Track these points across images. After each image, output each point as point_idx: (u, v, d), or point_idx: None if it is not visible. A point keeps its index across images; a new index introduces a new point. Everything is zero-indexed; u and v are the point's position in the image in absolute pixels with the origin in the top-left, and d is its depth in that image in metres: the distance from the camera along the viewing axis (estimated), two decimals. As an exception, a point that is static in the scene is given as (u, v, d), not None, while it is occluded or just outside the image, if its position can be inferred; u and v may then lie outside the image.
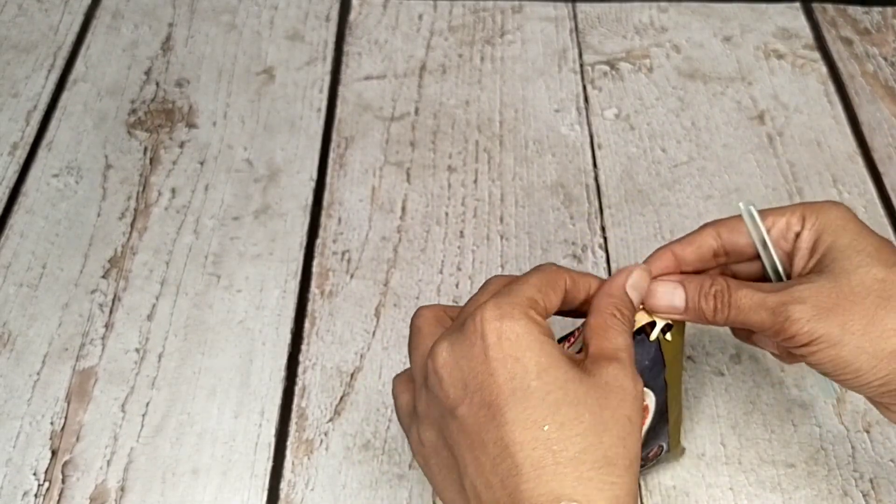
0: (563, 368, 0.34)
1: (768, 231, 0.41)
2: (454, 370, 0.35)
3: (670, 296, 0.41)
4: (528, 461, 0.32)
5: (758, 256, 0.42)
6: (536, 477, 0.32)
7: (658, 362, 0.41)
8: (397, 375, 0.41)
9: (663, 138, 0.68)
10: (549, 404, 0.33)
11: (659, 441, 0.46)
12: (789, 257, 0.41)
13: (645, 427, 0.43)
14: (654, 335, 0.41)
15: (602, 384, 0.34)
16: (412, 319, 0.40)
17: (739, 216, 0.41)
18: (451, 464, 0.35)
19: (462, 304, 0.43)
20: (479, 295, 0.39)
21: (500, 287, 0.38)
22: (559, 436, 0.33)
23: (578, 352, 0.39)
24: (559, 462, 0.32)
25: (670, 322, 0.41)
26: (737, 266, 0.43)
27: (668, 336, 0.41)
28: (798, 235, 0.40)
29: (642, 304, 0.41)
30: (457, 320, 0.38)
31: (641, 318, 0.41)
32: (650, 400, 0.42)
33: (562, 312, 0.40)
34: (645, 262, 0.42)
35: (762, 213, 0.41)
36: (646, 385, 0.39)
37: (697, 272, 0.42)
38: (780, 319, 0.38)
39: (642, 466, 0.47)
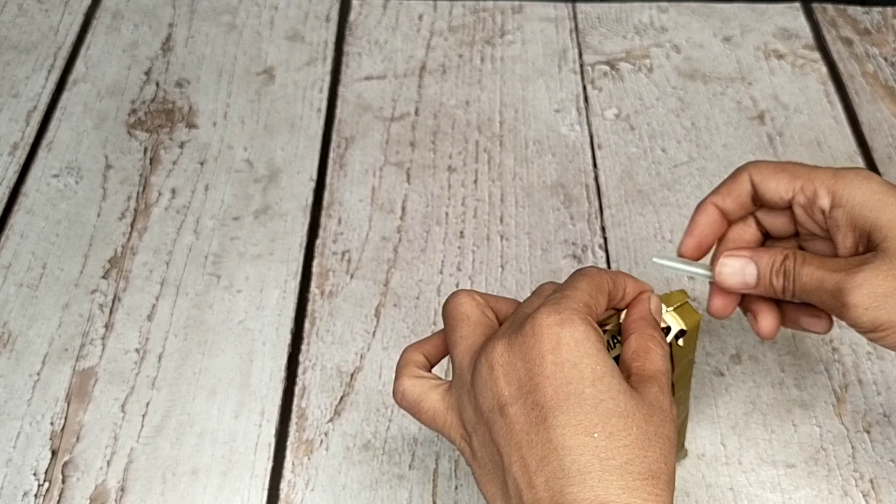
0: (616, 379, 0.35)
1: (794, 195, 0.41)
2: (510, 369, 0.35)
3: (742, 273, 0.42)
4: (574, 466, 0.33)
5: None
6: (582, 482, 0.33)
7: None
8: (404, 368, 0.40)
9: (663, 138, 0.68)
10: (600, 413, 0.34)
11: None
12: (821, 227, 0.41)
13: None
14: (667, 340, 0.41)
15: (647, 402, 0.35)
16: (454, 306, 0.39)
17: (768, 162, 0.42)
18: (497, 459, 0.35)
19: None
20: (533, 299, 0.39)
21: (551, 292, 0.39)
22: (607, 444, 0.33)
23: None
24: (606, 469, 0.33)
25: (684, 328, 0.41)
26: (808, 243, 0.43)
27: (681, 342, 0.41)
28: (826, 213, 0.40)
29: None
30: (512, 320, 0.38)
31: None
32: None
33: None
34: (691, 219, 0.43)
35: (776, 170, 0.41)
36: None
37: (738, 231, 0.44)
38: (839, 305, 0.38)
39: None
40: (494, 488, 0.36)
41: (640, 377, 0.36)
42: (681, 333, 0.41)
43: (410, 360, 0.41)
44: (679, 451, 0.48)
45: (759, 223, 0.44)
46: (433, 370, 0.41)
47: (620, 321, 0.40)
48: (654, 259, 0.42)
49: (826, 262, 0.40)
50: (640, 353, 0.37)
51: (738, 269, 0.42)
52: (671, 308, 0.41)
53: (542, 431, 0.34)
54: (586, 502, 0.32)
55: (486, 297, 0.40)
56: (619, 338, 0.40)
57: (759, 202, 0.42)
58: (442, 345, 0.41)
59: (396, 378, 0.40)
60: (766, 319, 0.44)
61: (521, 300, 0.42)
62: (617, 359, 0.39)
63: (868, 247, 0.39)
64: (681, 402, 0.44)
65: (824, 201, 0.40)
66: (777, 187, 0.41)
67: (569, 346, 0.35)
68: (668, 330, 0.41)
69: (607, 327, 0.40)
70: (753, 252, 0.42)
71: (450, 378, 0.39)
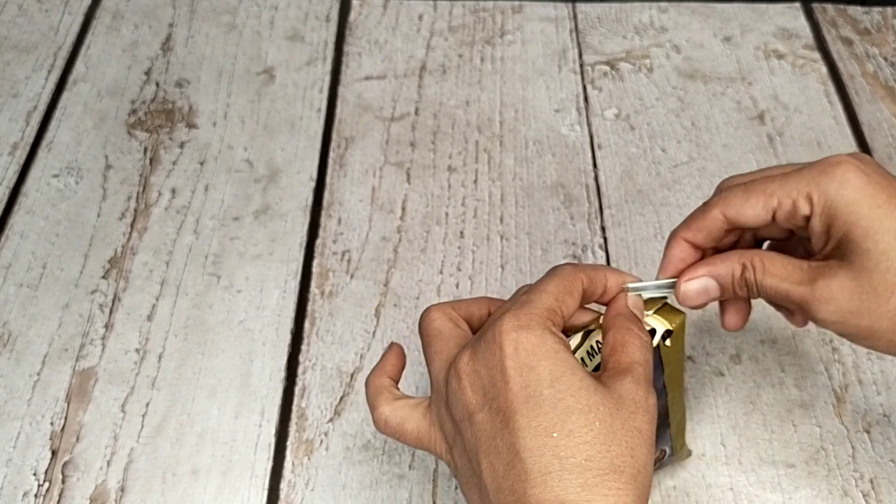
0: (577, 376, 0.35)
1: (774, 212, 0.39)
2: (475, 377, 0.36)
3: (705, 292, 0.41)
4: (535, 467, 0.33)
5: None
6: (543, 482, 0.33)
7: (657, 367, 0.41)
8: (378, 396, 0.40)
9: (663, 138, 0.68)
10: (559, 412, 0.34)
11: (661, 445, 0.46)
12: (804, 233, 0.40)
13: None
14: (654, 342, 0.41)
15: (616, 395, 0.35)
16: (427, 323, 0.40)
17: (736, 190, 0.40)
18: (472, 468, 0.36)
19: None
20: (507, 304, 0.39)
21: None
22: (567, 443, 0.33)
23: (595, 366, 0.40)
24: (565, 468, 0.33)
25: (670, 328, 0.41)
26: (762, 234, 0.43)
27: (668, 342, 0.41)
28: (808, 219, 0.39)
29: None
30: (482, 329, 0.38)
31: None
32: None
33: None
34: (664, 254, 0.42)
35: (763, 179, 0.40)
36: None
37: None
38: (808, 314, 0.38)
39: None
40: (475, 497, 0.36)
41: (615, 371, 0.36)
42: (667, 334, 0.41)
43: (381, 387, 0.40)
44: (681, 450, 0.48)
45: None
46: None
47: (601, 323, 0.40)
48: (628, 287, 0.42)
49: (789, 272, 0.39)
50: (616, 347, 0.37)
51: (700, 290, 0.41)
52: (652, 311, 0.41)
53: (506, 436, 0.34)
54: (547, 503, 0.32)
55: (457, 305, 0.41)
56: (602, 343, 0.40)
57: (737, 228, 0.41)
58: (398, 361, 0.42)
59: (374, 408, 0.40)
60: (732, 315, 0.43)
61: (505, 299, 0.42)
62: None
63: (834, 252, 0.39)
64: (675, 402, 0.44)
65: (805, 209, 0.39)
66: (755, 213, 0.40)
67: (526, 350, 0.35)
68: (653, 332, 0.41)
69: (591, 329, 0.40)
70: (711, 268, 0.41)
71: (418, 395, 0.40)
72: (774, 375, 0.54)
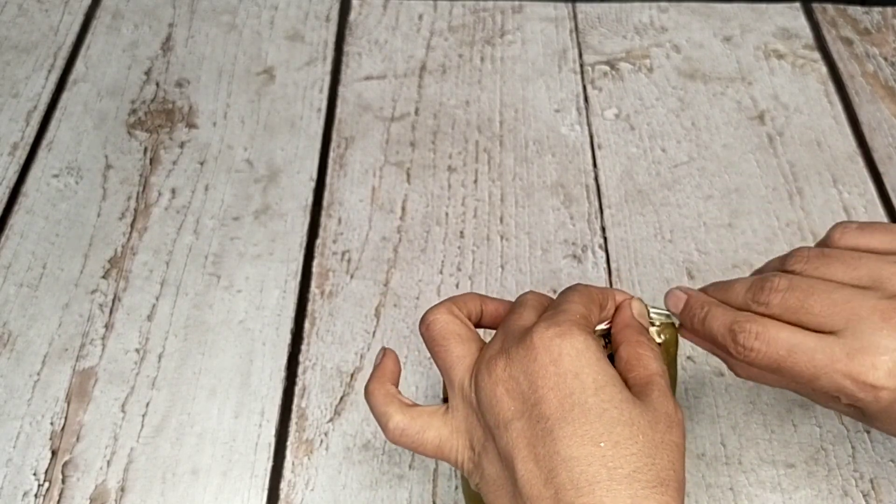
0: (618, 387, 0.35)
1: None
2: (513, 384, 0.35)
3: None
4: (583, 476, 0.33)
5: None
6: (591, 492, 0.33)
7: None
8: (389, 406, 0.38)
9: (663, 138, 0.68)
10: (605, 422, 0.34)
11: None
12: None
13: None
14: None
15: (651, 410, 0.35)
16: (441, 326, 0.39)
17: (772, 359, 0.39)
18: (505, 475, 0.35)
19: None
20: (521, 311, 0.39)
21: (539, 303, 0.39)
22: (614, 453, 0.33)
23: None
24: (614, 479, 0.33)
25: (659, 342, 0.41)
26: None
27: None
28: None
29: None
30: (506, 334, 0.38)
31: None
32: None
33: None
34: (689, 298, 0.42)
35: None
36: None
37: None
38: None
39: None
40: None
41: (638, 385, 0.36)
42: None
43: (390, 395, 0.39)
44: None
45: None
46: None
47: (595, 329, 0.40)
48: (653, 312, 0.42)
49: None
50: (632, 363, 0.38)
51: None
52: (652, 326, 0.42)
53: (549, 444, 0.34)
54: None
55: (459, 304, 0.40)
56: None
57: None
58: (396, 367, 0.40)
59: (388, 418, 0.38)
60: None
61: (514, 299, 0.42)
62: None
63: None
64: None
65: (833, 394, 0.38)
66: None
67: (570, 356, 0.35)
68: None
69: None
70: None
71: (418, 396, 0.39)
72: (774, 375, 0.54)
